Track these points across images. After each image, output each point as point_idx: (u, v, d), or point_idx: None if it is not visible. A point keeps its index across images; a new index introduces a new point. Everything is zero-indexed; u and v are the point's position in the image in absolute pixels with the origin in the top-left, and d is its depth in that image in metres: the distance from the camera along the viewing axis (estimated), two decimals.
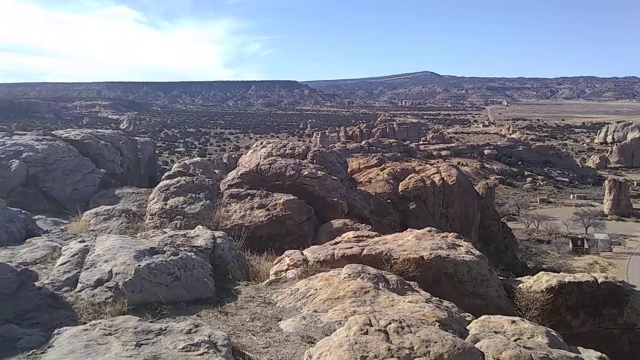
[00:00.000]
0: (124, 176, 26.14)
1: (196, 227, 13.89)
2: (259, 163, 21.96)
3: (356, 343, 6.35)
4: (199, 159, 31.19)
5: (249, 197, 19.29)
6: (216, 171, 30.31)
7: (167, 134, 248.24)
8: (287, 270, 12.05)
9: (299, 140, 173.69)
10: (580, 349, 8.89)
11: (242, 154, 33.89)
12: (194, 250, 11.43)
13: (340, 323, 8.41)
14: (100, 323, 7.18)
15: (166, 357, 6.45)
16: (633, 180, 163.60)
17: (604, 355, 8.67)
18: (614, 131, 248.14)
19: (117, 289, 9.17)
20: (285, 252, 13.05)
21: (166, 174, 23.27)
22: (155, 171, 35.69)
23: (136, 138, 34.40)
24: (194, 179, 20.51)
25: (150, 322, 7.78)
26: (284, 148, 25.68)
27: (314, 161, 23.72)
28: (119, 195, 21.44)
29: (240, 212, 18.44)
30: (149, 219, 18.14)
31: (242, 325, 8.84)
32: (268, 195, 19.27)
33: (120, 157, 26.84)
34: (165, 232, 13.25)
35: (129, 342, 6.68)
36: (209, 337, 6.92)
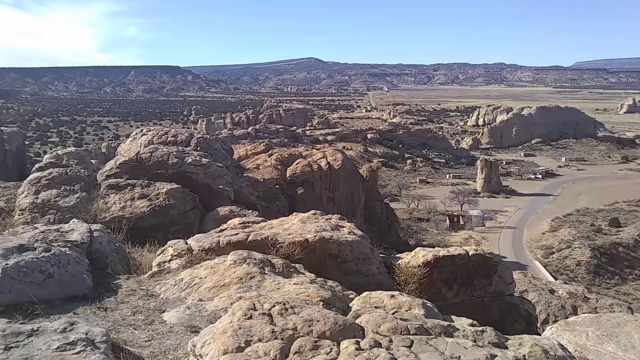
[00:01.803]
0: None
1: (71, 221, 13.13)
2: (139, 151, 21.13)
3: (240, 328, 6.37)
4: (73, 149, 29.45)
5: (129, 187, 18.53)
6: (93, 161, 28.83)
7: (39, 124, 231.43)
8: (170, 260, 11.77)
9: (183, 128, 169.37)
10: (453, 317, 9.54)
11: (122, 143, 32.42)
12: (69, 245, 10.81)
13: (226, 310, 8.37)
14: None
15: (39, 358, 6.09)
16: (502, 160, 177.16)
17: (474, 322, 9.35)
18: (485, 114, 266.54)
19: None
20: (169, 242, 12.73)
21: (37, 165, 21.73)
22: (25, 163, 33.28)
23: (2, 128, 31.81)
24: (68, 170, 19.34)
25: (21, 323, 7.30)
26: (166, 135, 24.95)
27: (198, 148, 23.28)
28: None
29: (120, 203, 17.68)
30: (19, 215, 16.90)
31: (123, 320, 8.55)
32: (150, 185, 18.63)
33: None
34: (37, 228, 12.40)
35: None
36: (86, 334, 6.61)
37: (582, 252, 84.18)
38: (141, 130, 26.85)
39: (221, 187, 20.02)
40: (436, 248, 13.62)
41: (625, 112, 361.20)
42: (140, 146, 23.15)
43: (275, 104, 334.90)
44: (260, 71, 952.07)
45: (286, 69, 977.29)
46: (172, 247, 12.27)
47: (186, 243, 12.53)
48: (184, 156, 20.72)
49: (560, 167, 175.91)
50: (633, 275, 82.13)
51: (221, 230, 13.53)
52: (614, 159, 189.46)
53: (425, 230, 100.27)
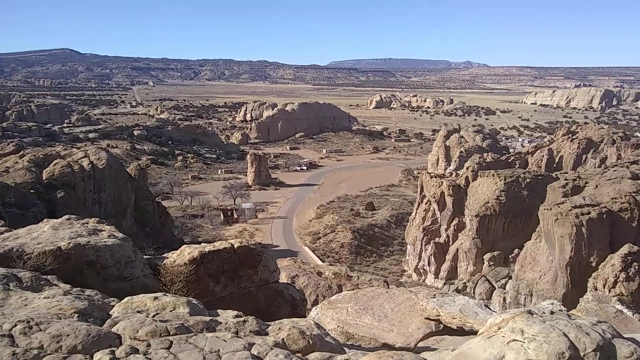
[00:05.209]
0: None
1: None
2: None
3: None
4: None
5: None
6: None
7: None
8: None
9: None
10: (219, 311, 9.66)
11: None
12: None
13: None
14: None
15: None
16: (270, 153, 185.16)
17: (239, 312, 9.60)
18: (252, 110, 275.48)
19: None
20: None
21: None
22: None
23: None
24: None
25: None
26: None
27: None
28: None
29: None
30: None
31: None
32: None
33: None
34: None
35: None
36: None
37: (345, 235, 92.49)
38: None
39: None
40: (202, 244, 13.64)
41: (374, 108, 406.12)
42: None
43: (25, 99, 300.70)
44: (5, 62, 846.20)
45: (37, 60, 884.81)
46: None
47: None
48: None
49: (322, 158, 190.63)
50: (387, 252, 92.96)
51: None
52: (367, 150, 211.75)
53: (200, 226, 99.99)
